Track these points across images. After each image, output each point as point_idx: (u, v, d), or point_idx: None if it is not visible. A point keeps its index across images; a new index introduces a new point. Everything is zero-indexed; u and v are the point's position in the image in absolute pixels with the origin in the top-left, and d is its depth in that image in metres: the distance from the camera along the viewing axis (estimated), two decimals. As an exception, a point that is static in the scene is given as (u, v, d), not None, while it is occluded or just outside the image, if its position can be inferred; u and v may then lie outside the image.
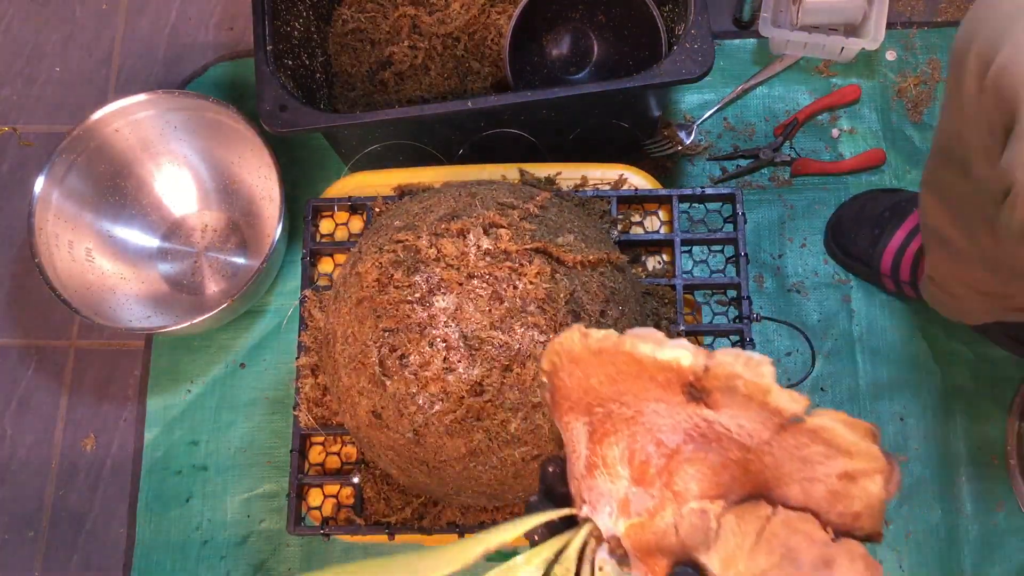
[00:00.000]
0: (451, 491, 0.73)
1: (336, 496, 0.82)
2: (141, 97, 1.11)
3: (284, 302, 1.16)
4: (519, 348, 0.66)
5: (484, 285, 0.67)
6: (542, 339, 0.66)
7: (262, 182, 1.14)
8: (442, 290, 0.67)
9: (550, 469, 0.45)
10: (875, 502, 0.34)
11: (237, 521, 1.09)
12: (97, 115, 1.10)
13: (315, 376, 0.83)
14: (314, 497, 0.82)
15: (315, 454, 0.84)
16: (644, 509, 0.38)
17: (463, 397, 0.66)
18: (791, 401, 0.34)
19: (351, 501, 0.82)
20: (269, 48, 0.96)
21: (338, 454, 0.84)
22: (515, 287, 0.67)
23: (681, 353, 0.36)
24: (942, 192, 0.82)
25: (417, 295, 0.67)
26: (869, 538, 0.34)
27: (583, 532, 0.41)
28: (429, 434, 0.68)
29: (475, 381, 0.65)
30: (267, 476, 1.10)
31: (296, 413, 0.82)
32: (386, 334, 0.68)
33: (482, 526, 0.79)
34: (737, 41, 1.21)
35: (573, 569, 0.40)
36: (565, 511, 0.42)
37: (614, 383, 0.38)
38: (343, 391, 0.73)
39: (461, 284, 0.67)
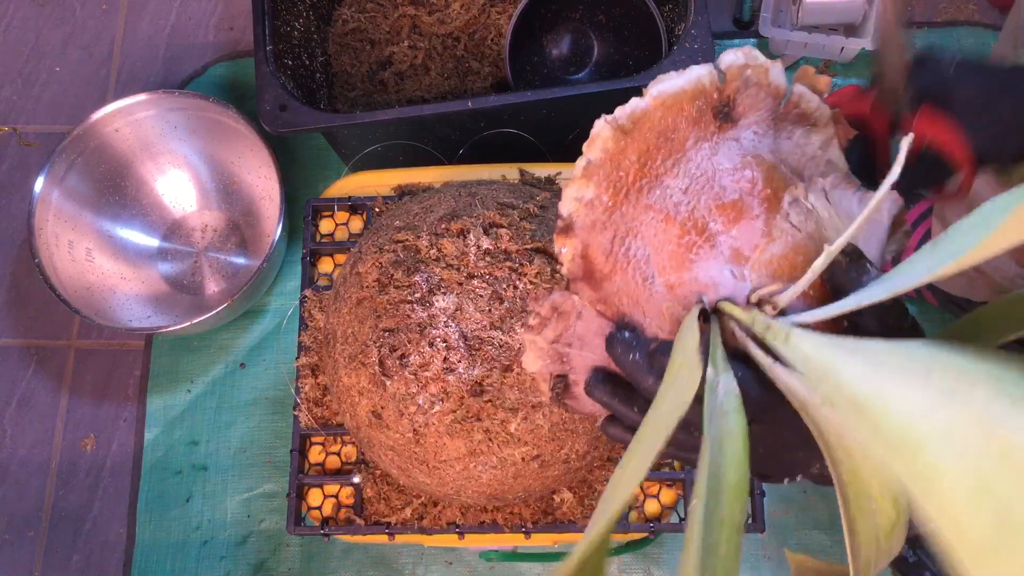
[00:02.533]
0: (451, 491, 0.73)
1: (336, 496, 0.82)
2: (141, 97, 1.11)
3: (284, 302, 1.16)
4: (519, 348, 0.66)
5: (484, 285, 0.67)
6: (542, 339, 0.66)
7: (262, 182, 1.14)
8: (442, 290, 0.67)
9: (619, 350, 0.37)
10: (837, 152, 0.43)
11: (237, 521, 1.09)
12: (97, 115, 1.10)
13: (315, 376, 0.83)
14: (314, 497, 0.82)
15: (315, 454, 0.84)
16: (758, 237, 0.38)
17: (463, 397, 0.66)
18: (779, 73, 0.40)
19: (351, 501, 0.82)
20: (269, 48, 0.96)
21: (338, 454, 0.84)
22: (515, 287, 0.67)
23: (699, 72, 0.38)
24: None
25: (417, 295, 0.67)
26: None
27: (736, 311, 0.36)
28: (429, 434, 0.68)
29: (475, 381, 0.65)
30: (267, 476, 1.10)
31: (296, 413, 0.82)
32: (386, 334, 0.68)
33: (482, 526, 0.79)
34: (737, 41, 1.21)
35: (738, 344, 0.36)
36: (696, 318, 0.36)
37: (656, 153, 0.38)
38: (343, 391, 0.73)
39: (461, 284, 0.67)
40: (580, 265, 0.38)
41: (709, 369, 0.34)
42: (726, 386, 0.34)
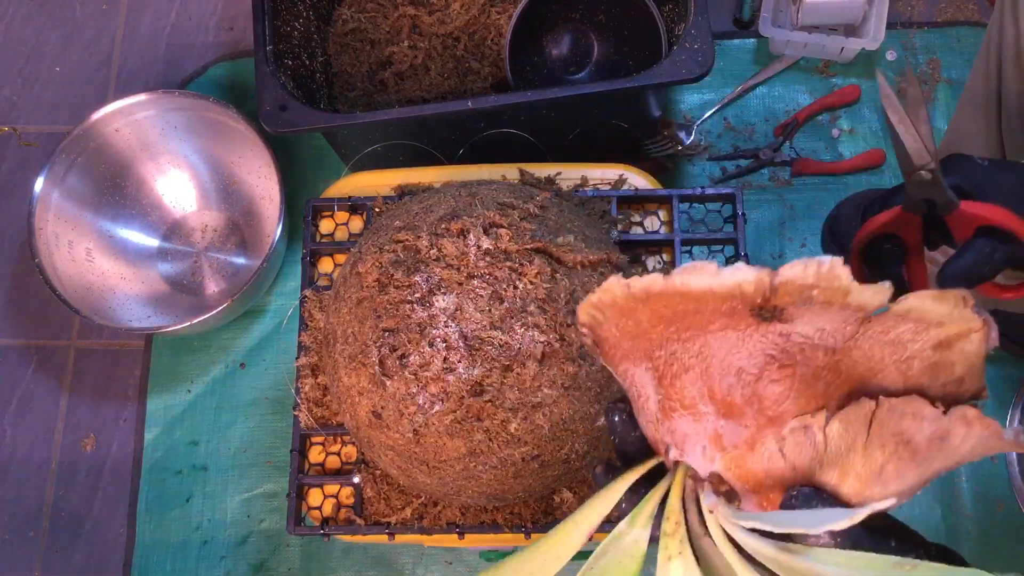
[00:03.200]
0: (451, 491, 0.73)
1: (336, 496, 0.82)
2: (141, 97, 1.11)
3: (284, 302, 1.16)
4: (519, 348, 0.66)
5: (484, 285, 0.67)
6: (542, 339, 0.66)
7: (262, 182, 1.14)
8: (442, 290, 0.67)
9: (615, 418, 0.41)
10: (975, 361, 0.33)
11: (237, 521, 1.09)
12: (97, 115, 1.10)
13: (315, 376, 0.83)
14: (314, 497, 0.82)
15: (315, 454, 0.84)
16: (741, 441, 0.35)
17: (463, 397, 0.66)
18: (875, 295, 0.32)
19: (351, 501, 0.82)
20: (269, 48, 0.96)
21: (338, 454, 0.84)
22: (515, 287, 0.67)
23: (742, 277, 0.33)
24: (960, 140, 0.83)
25: (417, 295, 0.67)
26: (975, 397, 0.33)
27: (679, 475, 0.37)
28: (429, 434, 0.67)
29: (475, 381, 0.65)
30: (267, 476, 1.10)
31: (296, 413, 0.82)
32: (386, 334, 0.68)
33: (482, 526, 0.79)
34: (737, 41, 1.21)
35: (682, 520, 0.36)
36: (652, 462, 0.39)
37: (670, 324, 0.35)
38: (343, 391, 0.73)
39: (461, 284, 0.67)
40: (593, 344, 0.40)
41: (623, 523, 0.38)
42: (635, 537, 0.37)
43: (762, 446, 0.35)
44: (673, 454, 0.38)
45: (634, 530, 0.37)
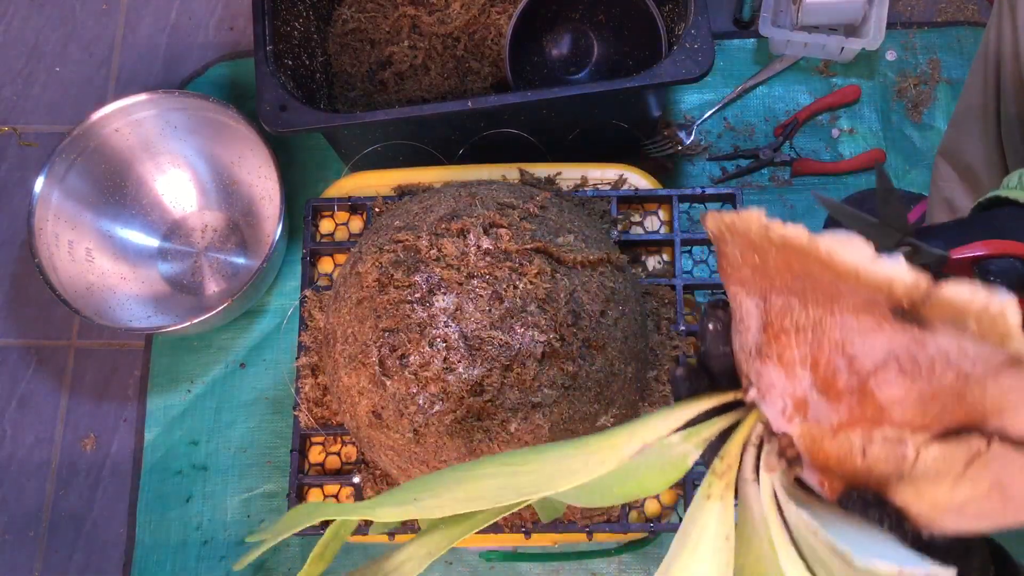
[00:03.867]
0: (451, 491, 0.73)
1: (336, 496, 0.82)
2: (141, 97, 1.11)
3: (284, 302, 1.16)
4: (519, 348, 0.66)
5: (484, 285, 0.67)
6: (542, 339, 0.66)
7: (262, 182, 1.14)
8: (442, 290, 0.67)
9: (710, 325, 0.38)
10: None
11: (237, 521, 1.09)
12: (97, 115, 1.10)
13: (315, 376, 0.83)
14: (314, 497, 0.82)
15: (315, 454, 0.84)
16: (826, 421, 0.33)
17: (463, 397, 0.66)
18: None
19: (351, 501, 0.82)
20: (269, 48, 0.96)
21: (338, 454, 0.84)
22: (515, 287, 0.67)
23: (898, 275, 0.29)
24: (959, 158, 0.84)
25: (417, 295, 0.67)
26: None
27: (750, 419, 0.35)
28: (429, 434, 0.67)
29: (475, 381, 0.65)
30: (267, 476, 1.10)
31: (296, 413, 0.82)
32: (386, 334, 0.68)
33: (482, 526, 0.78)
34: (737, 41, 1.21)
35: (735, 465, 0.35)
36: (731, 395, 0.37)
37: (798, 279, 0.32)
38: (343, 391, 0.73)
39: (461, 284, 0.67)
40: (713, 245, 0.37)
41: (678, 435, 0.36)
42: (685, 451, 0.36)
43: (846, 436, 0.32)
44: (752, 394, 0.35)
45: (686, 445, 0.35)
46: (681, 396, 0.39)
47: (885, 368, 0.31)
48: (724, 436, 0.36)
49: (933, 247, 0.47)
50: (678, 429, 0.36)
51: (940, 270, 0.50)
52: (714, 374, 0.39)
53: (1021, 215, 0.53)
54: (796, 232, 0.31)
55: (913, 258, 0.47)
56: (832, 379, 0.32)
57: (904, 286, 0.29)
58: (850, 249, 0.30)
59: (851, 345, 0.32)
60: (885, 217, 0.45)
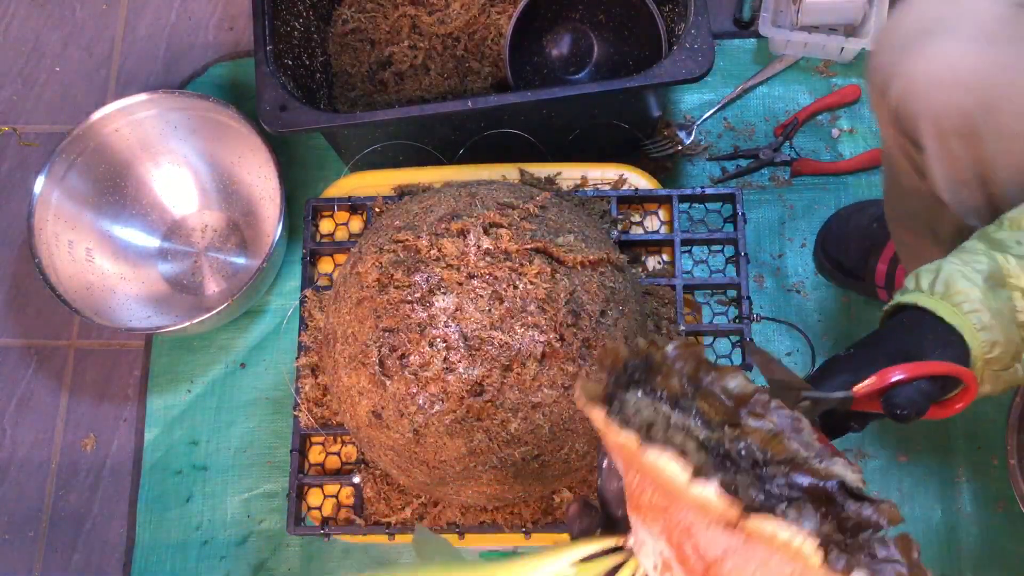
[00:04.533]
0: (451, 491, 0.73)
1: (336, 496, 0.82)
2: (141, 97, 1.11)
3: (284, 302, 1.16)
4: (519, 348, 0.66)
5: (484, 285, 0.67)
6: (542, 339, 0.66)
7: (262, 182, 1.14)
8: (442, 290, 0.67)
9: (604, 463, 0.43)
10: None
11: (237, 521, 1.09)
12: (97, 115, 1.10)
13: (315, 376, 0.83)
14: (314, 497, 0.82)
15: (315, 454, 0.84)
16: None
17: (463, 397, 0.66)
18: None
19: (351, 501, 0.82)
20: (269, 48, 0.96)
21: (338, 454, 0.84)
22: (515, 287, 0.67)
23: (710, 499, 0.34)
24: (900, 217, 0.84)
25: (417, 295, 0.67)
26: None
27: (631, 565, 0.40)
28: (429, 434, 0.68)
29: (475, 381, 0.65)
30: (267, 476, 1.10)
31: (296, 413, 0.82)
32: (386, 334, 0.68)
33: (482, 526, 0.79)
34: (737, 41, 1.21)
35: None
36: (613, 541, 0.41)
37: (644, 473, 0.37)
38: (343, 391, 0.73)
39: (461, 284, 0.67)
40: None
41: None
42: None
43: None
44: (630, 544, 0.41)
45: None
46: (573, 535, 0.44)
47: (724, 560, 0.35)
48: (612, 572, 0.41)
49: (833, 391, 0.52)
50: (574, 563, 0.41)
51: (848, 408, 0.53)
52: (609, 504, 0.43)
53: (921, 319, 0.54)
54: (628, 438, 0.36)
55: (814, 408, 0.52)
56: (684, 556, 0.37)
57: (718, 511, 0.33)
58: (668, 468, 0.34)
59: (696, 532, 0.36)
60: (775, 384, 0.50)
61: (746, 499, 0.38)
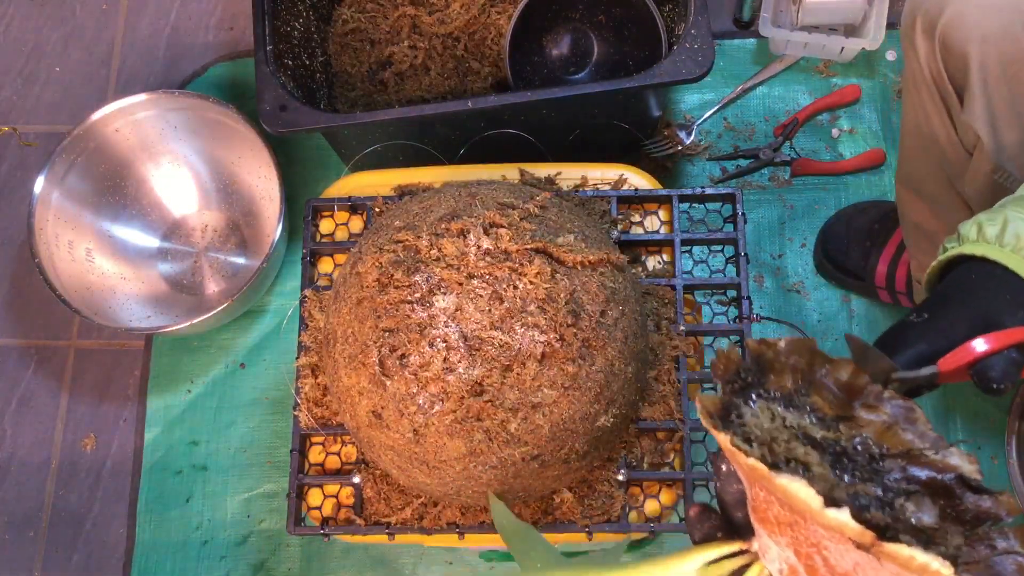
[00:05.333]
0: (451, 491, 0.73)
1: (336, 496, 0.82)
2: (141, 97, 1.11)
3: (284, 302, 1.16)
4: (519, 348, 0.66)
5: (484, 285, 0.67)
6: (542, 339, 0.66)
7: (262, 182, 1.14)
8: (442, 290, 0.67)
9: (724, 466, 0.42)
10: None
11: (237, 521, 1.09)
12: (97, 115, 1.10)
13: (315, 376, 0.82)
14: (314, 497, 0.82)
15: (315, 454, 0.84)
16: None
17: (463, 397, 0.66)
18: None
19: (351, 501, 0.82)
20: (269, 48, 0.96)
21: (338, 454, 0.84)
22: (515, 287, 0.67)
23: (844, 524, 0.34)
24: (916, 183, 0.83)
25: (417, 295, 0.67)
26: None
27: (758, 569, 0.40)
28: (429, 434, 0.68)
29: (475, 381, 0.65)
30: (267, 476, 1.10)
31: (296, 413, 0.82)
32: (386, 334, 0.68)
33: (482, 526, 0.78)
34: (737, 41, 1.21)
35: None
36: (737, 546, 0.42)
37: (771, 493, 0.37)
38: (343, 391, 0.73)
39: (461, 284, 0.67)
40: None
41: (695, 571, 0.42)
42: None
43: None
44: (755, 548, 0.41)
45: None
46: (695, 539, 0.43)
47: (854, 574, 0.35)
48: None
49: (912, 366, 0.49)
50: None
51: (934, 384, 0.50)
52: (728, 507, 0.43)
53: (992, 274, 0.50)
54: (756, 464, 0.35)
55: (900, 388, 0.50)
56: (814, 567, 0.36)
57: (853, 533, 0.33)
58: (800, 494, 0.34)
59: (826, 549, 0.35)
60: (870, 371, 0.47)
61: (874, 508, 0.38)
